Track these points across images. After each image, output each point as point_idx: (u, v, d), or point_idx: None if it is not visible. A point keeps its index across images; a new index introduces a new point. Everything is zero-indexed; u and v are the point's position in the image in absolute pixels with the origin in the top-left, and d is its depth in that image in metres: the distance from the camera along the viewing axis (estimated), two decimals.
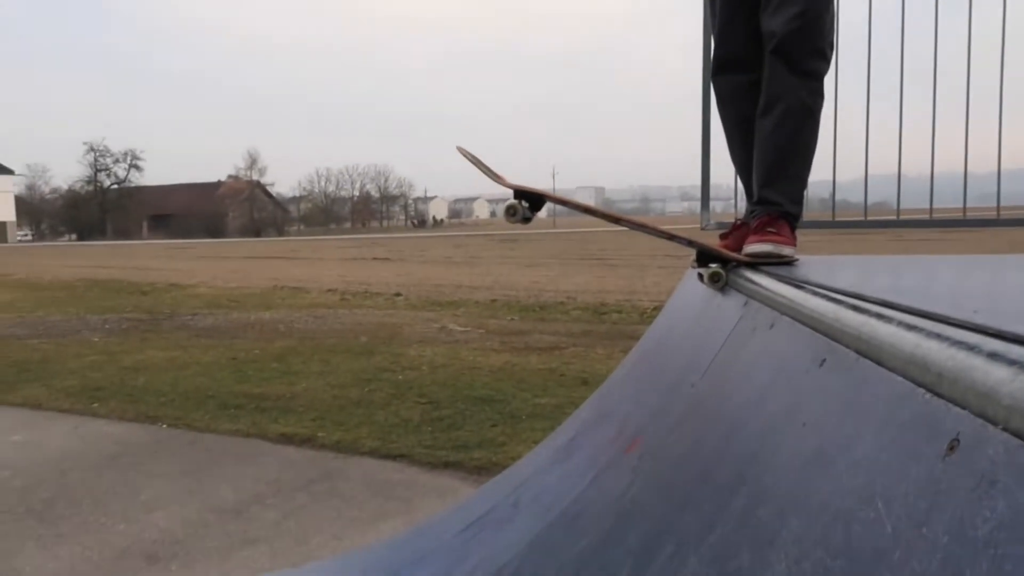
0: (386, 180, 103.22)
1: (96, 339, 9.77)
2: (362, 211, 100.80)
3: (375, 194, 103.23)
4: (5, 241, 65.79)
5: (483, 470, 4.12)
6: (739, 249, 2.16)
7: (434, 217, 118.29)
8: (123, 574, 3.06)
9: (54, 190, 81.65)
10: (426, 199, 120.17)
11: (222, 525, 3.53)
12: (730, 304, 1.94)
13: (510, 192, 1.97)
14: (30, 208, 76.10)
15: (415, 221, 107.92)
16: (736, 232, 2.32)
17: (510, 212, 1.91)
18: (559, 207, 2.33)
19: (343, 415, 5.40)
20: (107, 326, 11.06)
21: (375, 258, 29.59)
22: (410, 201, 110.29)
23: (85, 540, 3.38)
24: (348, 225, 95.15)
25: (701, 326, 2.24)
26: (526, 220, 1.95)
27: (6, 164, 71.66)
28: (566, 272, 19.84)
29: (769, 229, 2.14)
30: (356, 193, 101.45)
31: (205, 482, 4.13)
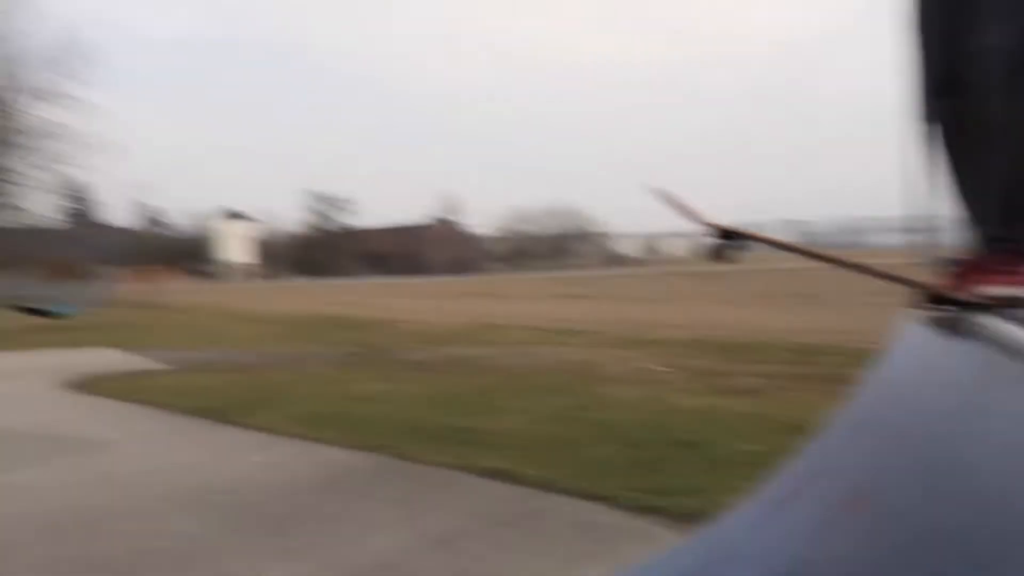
0: (580, 218, 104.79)
1: (320, 370, 10.66)
2: (558, 249, 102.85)
3: (570, 232, 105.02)
4: (246, 280, 74.17)
5: (688, 517, 3.98)
6: (967, 290, 1.94)
7: (630, 254, 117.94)
8: None
9: (285, 234, 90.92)
10: (621, 236, 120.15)
11: (433, 554, 3.68)
12: (968, 353, 1.74)
13: (708, 229, 1.91)
14: (266, 250, 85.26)
15: (610, 259, 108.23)
16: (965, 271, 2.08)
17: (712, 252, 1.86)
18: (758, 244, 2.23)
19: (545, 453, 5.46)
20: (330, 358, 12.04)
21: (572, 295, 29.97)
22: (605, 238, 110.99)
23: (311, 557, 3.66)
24: (544, 263, 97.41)
25: (932, 376, 2.03)
26: (729, 260, 1.88)
27: (249, 213, 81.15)
28: (769, 310, 18.94)
29: (1012, 269, 1.90)
30: (551, 232, 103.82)
31: (416, 510, 4.34)
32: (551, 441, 5.79)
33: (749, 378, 8.65)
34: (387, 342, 14.34)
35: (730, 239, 1.89)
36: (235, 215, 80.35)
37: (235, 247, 78.26)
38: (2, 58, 30.39)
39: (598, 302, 25.21)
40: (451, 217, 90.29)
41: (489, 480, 4.89)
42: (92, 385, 9.61)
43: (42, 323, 20.79)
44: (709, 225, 1.96)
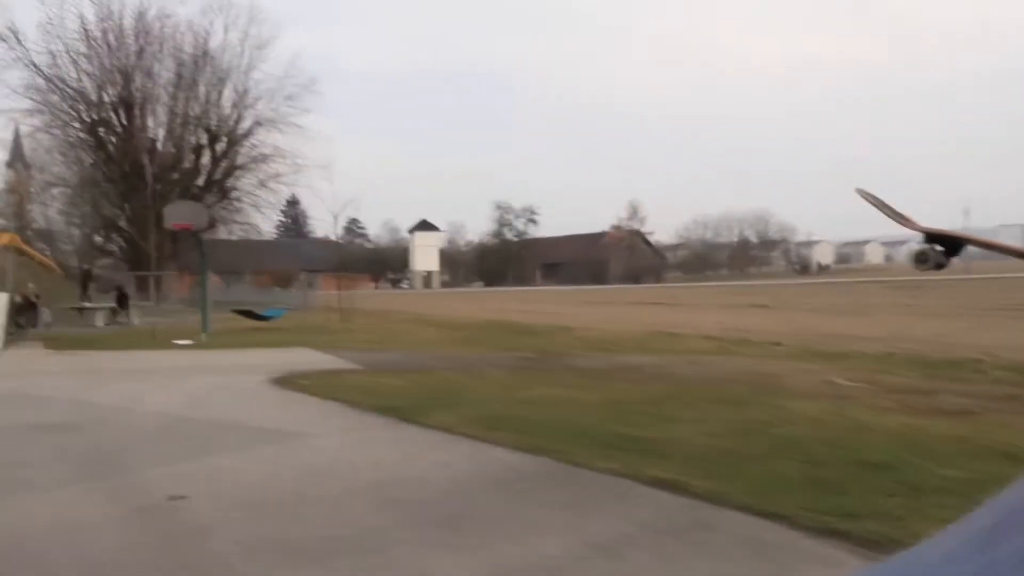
0: (766, 225, 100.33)
1: (495, 374, 10.94)
2: (740, 257, 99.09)
3: (754, 240, 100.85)
4: (430, 287, 77.82)
5: (876, 544, 3.68)
6: None
7: (819, 263, 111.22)
8: None
9: (468, 243, 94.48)
10: (810, 243, 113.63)
11: (597, 561, 3.66)
12: None
13: (912, 235, 1.74)
14: (449, 259, 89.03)
15: (797, 267, 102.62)
16: None
17: (920, 259, 1.71)
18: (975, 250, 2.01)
19: (716, 465, 5.27)
20: (505, 363, 12.33)
21: (754, 305, 28.76)
22: (792, 246, 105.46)
23: (481, 554, 3.76)
24: (725, 272, 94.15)
25: None
26: (939, 267, 1.72)
27: (434, 223, 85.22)
28: (982, 324, 17.16)
29: None
30: (734, 239, 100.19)
31: (582, 516, 4.34)
32: (723, 454, 5.58)
33: (952, 397, 7.88)
34: (561, 348, 14.47)
35: (943, 244, 1.71)
36: (424, 226, 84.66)
37: (423, 256, 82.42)
38: (240, 91, 34.14)
39: (782, 313, 24.00)
40: (631, 225, 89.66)
41: (656, 489, 4.79)
42: (292, 382, 10.48)
43: (254, 325, 22.98)
44: (920, 230, 1.80)
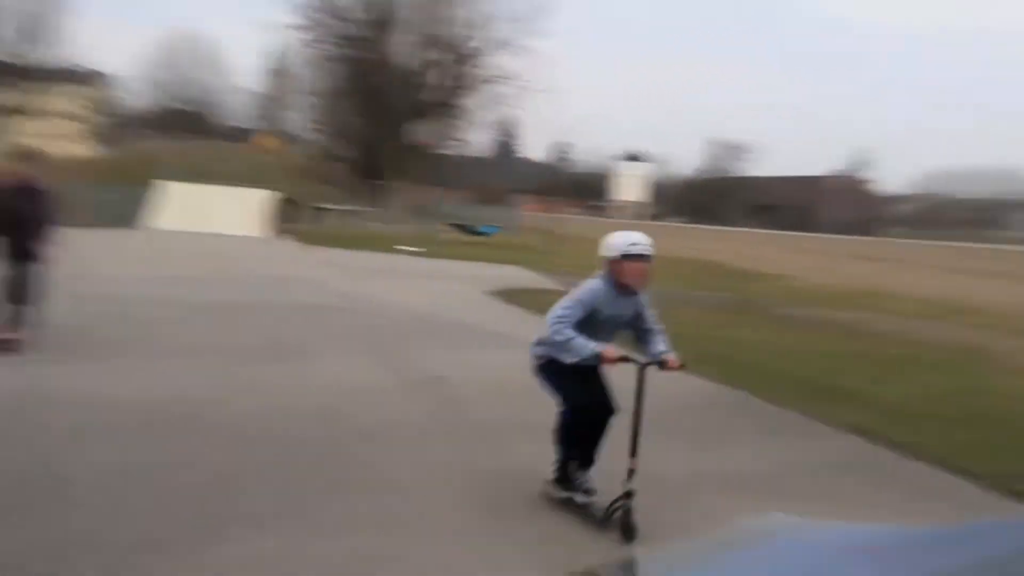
0: (1014, 183, 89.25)
1: (697, 312, 11.47)
2: (979, 218, 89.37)
3: (1006, 199, 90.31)
4: (634, 218, 77.87)
5: None
6: None
7: None
8: (711, 487, 4.09)
9: (676, 177, 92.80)
10: None
11: (788, 477, 4.32)
12: None
13: None
14: (656, 191, 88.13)
15: None
16: None
17: None
18: None
19: (911, 421, 5.62)
20: (709, 302, 12.79)
21: (985, 272, 26.52)
22: None
23: (685, 458, 4.54)
24: (960, 232, 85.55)
25: None
26: None
27: (647, 156, 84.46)
28: None
29: None
30: (975, 196, 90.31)
31: (774, 444, 4.98)
32: (920, 412, 5.89)
33: None
34: (767, 295, 14.61)
35: None
36: (633, 157, 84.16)
37: (629, 187, 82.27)
38: (478, 15, 35.75)
39: (1018, 282, 22.04)
40: (857, 172, 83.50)
41: (849, 433, 5.29)
42: (509, 296, 11.68)
43: (467, 239, 24.82)
44: None
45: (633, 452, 3.65)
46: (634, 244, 4.02)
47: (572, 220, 41.50)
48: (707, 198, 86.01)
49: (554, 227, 30.66)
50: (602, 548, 3.29)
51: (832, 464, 4.64)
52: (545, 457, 4.11)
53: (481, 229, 26.73)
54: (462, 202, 39.36)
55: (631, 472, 3.59)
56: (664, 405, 5.78)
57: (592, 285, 4.14)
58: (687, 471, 4.36)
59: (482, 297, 11.61)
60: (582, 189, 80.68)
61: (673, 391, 6.26)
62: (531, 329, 9.12)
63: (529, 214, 40.18)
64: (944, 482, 4.46)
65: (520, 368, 6.82)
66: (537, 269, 16.69)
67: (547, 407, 5.39)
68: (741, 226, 72.01)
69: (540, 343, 4.14)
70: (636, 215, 73.93)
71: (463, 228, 26.23)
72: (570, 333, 3.91)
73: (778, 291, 15.83)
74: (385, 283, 12.35)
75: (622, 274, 4.02)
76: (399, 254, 18.86)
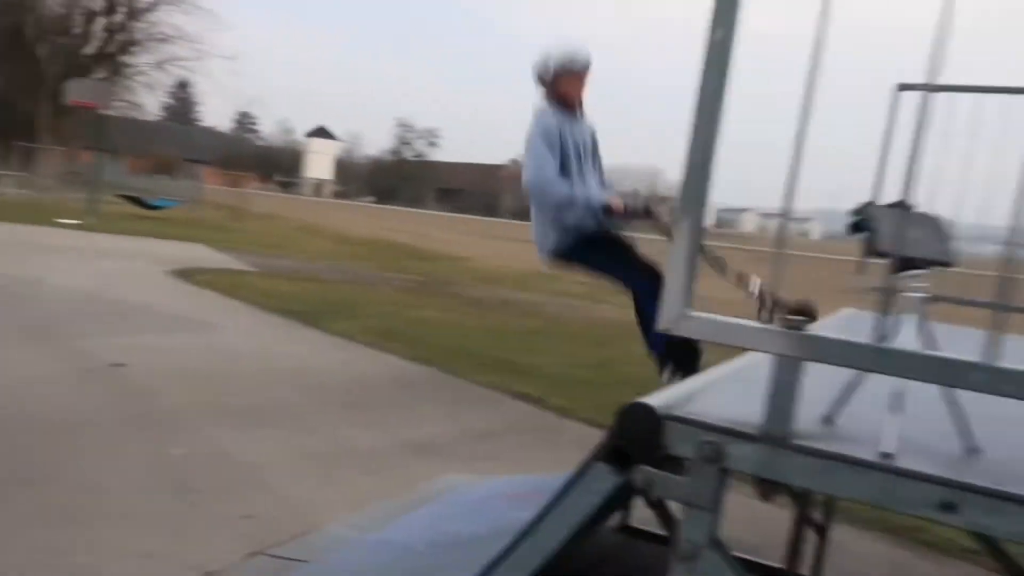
0: (656, 181, 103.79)
1: (388, 292, 11.92)
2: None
3: (643, 194, 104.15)
4: (320, 196, 76.56)
5: None
6: None
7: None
8: (403, 456, 4.46)
9: (365, 156, 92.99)
10: (738, 210, 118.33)
11: (471, 443, 4.84)
12: None
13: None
14: (344, 170, 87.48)
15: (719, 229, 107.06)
16: None
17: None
18: None
19: (570, 388, 6.55)
20: (396, 283, 13.30)
21: None
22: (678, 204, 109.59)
23: (383, 430, 4.86)
24: None
25: None
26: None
27: (332, 131, 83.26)
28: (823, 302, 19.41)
29: None
30: (625, 191, 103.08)
31: (461, 413, 5.51)
32: (577, 381, 6.87)
33: None
34: (452, 276, 15.54)
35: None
36: (321, 133, 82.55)
37: (317, 164, 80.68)
38: None
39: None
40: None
41: (521, 401, 6.03)
42: (192, 275, 11.06)
43: (141, 213, 22.69)
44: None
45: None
46: (574, 58, 3.54)
47: (259, 196, 39.79)
48: (395, 179, 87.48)
49: (239, 203, 29.18)
50: (297, 519, 3.45)
51: (505, 428, 5.28)
52: (237, 437, 4.15)
53: (157, 203, 24.56)
54: (135, 171, 35.75)
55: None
56: (358, 382, 6.07)
57: (541, 117, 3.57)
58: (384, 442, 4.68)
59: (161, 277, 10.85)
60: (269, 164, 77.30)
61: (365, 369, 6.57)
62: (217, 310, 8.88)
63: (211, 188, 37.75)
64: (593, 437, 5.30)
65: (211, 351, 6.64)
66: (221, 247, 15.91)
67: (237, 390, 5.38)
68: (428, 209, 74.56)
69: (542, 234, 3.64)
70: (323, 193, 72.93)
71: (137, 201, 23.86)
72: (564, 187, 3.42)
73: (461, 272, 16.91)
74: (49, 261, 10.96)
75: (567, 90, 3.53)
76: (61, 227, 16.70)
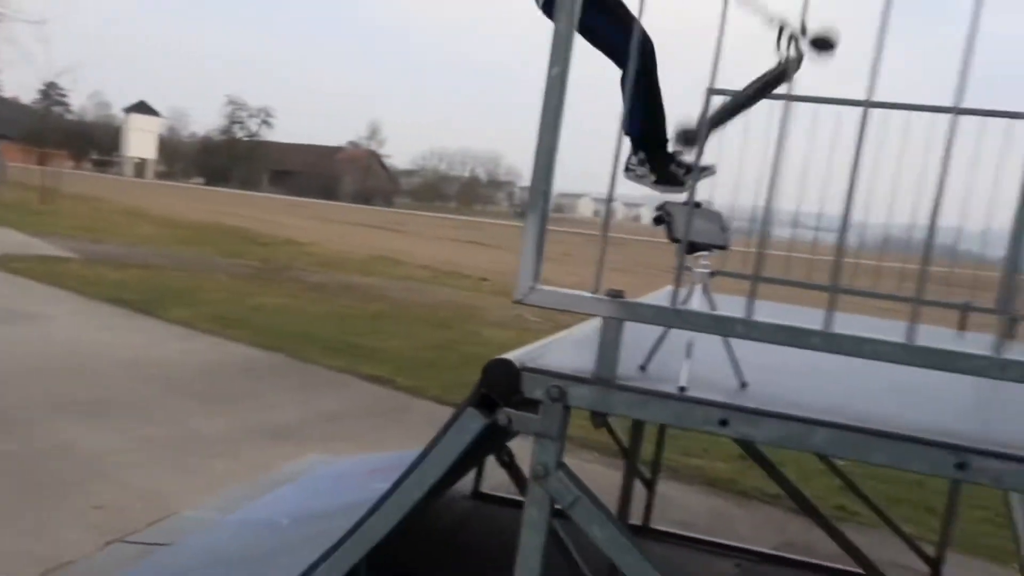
0: (496, 166, 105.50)
1: (224, 278, 11.55)
2: (469, 193, 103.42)
3: (484, 178, 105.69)
4: (144, 177, 71.42)
5: None
6: None
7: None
8: (256, 441, 4.50)
9: (191, 135, 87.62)
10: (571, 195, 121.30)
11: (323, 425, 4.95)
12: None
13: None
14: (168, 149, 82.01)
15: (519, 210, 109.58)
16: None
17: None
18: None
19: (417, 369, 6.77)
20: (233, 269, 12.89)
21: (472, 242, 31.19)
22: (517, 190, 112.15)
23: (232, 417, 4.87)
24: (453, 205, 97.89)
25: None
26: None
27: (154, 106, 77.66)
28: (651, 281, 20.76)
29: None
30: (466, 175, 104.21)
31: (312, 397, 5.58)
32: (424, 362, 7.11)
33: None
34: (288, 261, 15.23)
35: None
36: (141, 108, 76.70)
37: (138, 142, 74.95)
38: None
39: (495, 252, 26.56)
40: (368, 144, 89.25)
41: (371, 383, 6.18)
42: (4, 263, 10.21)
43: None
44: None
45: None
46: None
47: (72, 176, 36.63)
48: (226, 160, 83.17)
49: (49, 183, 26.79)
50: (151, 507, 3.46)
51: (356, 410, 5.43)
52: (79, 431, 4.05)
53: None
54: None
55: None
56: (202, 371, 5.97)
57: None
58: (235, 428, 4.69)
59: None
60: (83, 141, 70.96)
61: (209, 357, 6.46)
62: (40, 299, 8.29)
63: (15, 166, 34.31)
64: (441, 415, 5.56)
65: (44, 344, 6.26)
66: (33, 232, 14.68)
67: (74, 383, 5.16)
68: (261, 191, 71.61)
69: None
70: (146, 173, 68.22)
71: None
72: None
73: (302, 257, 16.59)
74: None
75: None
76: None
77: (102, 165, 69.61)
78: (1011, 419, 1.45)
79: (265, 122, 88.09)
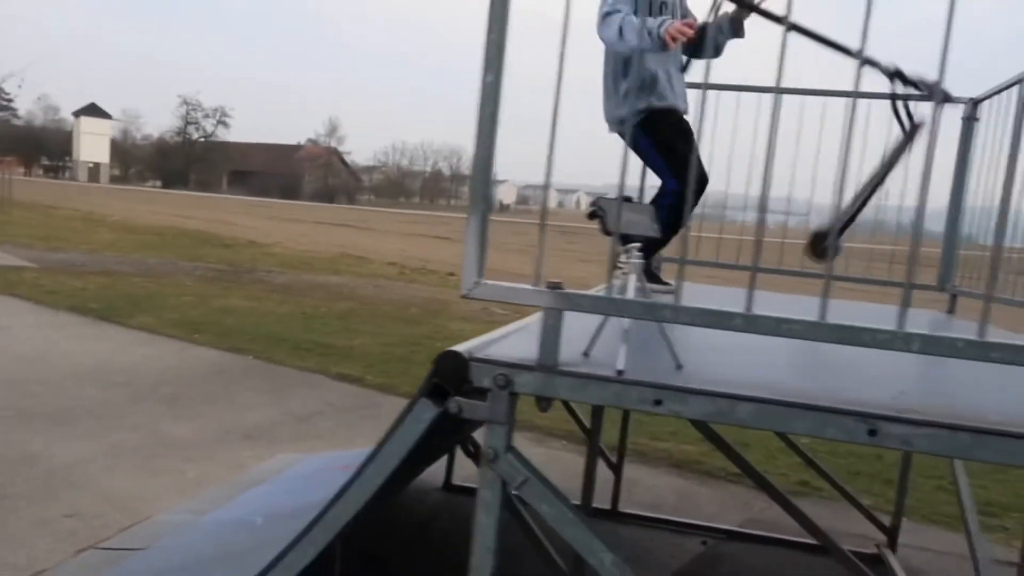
0: (459, 160, 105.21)
1: (188, 282, 11.46)
2: (432, 188, 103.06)
3: (447, 172, 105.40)
4: (98, 181, 69.98)
5: None
6: None
7: (501, 201, 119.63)
8: (227, 443, 4.54)
9: (146, 137, 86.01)
10: (496, 182, 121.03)
11: (295, 425, 4.99)
12: None
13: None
14: (122, 152, 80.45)
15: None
16: None
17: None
18: None
19: (388, 366, 6.83)
20: (196, 272, 12.78)
21: (438, 237, 31.17)
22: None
23: (202, 421, 4.88)
24: (417, 200, 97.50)
25: None
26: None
27: (105, 109, 76.07)
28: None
29: None
30: (428, 169, 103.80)
31: (282, 398, 5.61)
32: (394, 359, 7.16)
33: None
34: (252, 263, 15.12)
35: None
36: (92, 111, 75.03)
37: (90, 145, 73.34)
38: None
39: (461, 246, 26.56)
40: (327, 141, 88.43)
41: (341, 382, 6.22)
42: None
43: None
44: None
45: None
46: None
47: (23, 183, 35.79)
48: (182, 162, 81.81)
49: (2, 190, 26.16)
50: (124, 513, 3.49)
51: (328, 408, 5.47)
52: (46, 441, 4.04)
53: None
54: None
55: None
56: (169, 376, 5.96)
57: None
58: (205, 431, 4.71)
59: None
60: (33, 147, 69.28)
61: (175, 363, 6.45)
62: None
63: None
64: None
65: (2, 355, 6.18)
66: None
67: (37, 393, 5.13)
68: (220, 192, 70.64)
69: (619, 106, 3.18)
70: (101, 177, 66.86)
71: None
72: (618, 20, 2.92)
73: (266, 258, 16.47)
74: None
75: None
76: None
77: (54, 171, 68.04)
78: (922, 388, 1.57)
79: (221, 122, 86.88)
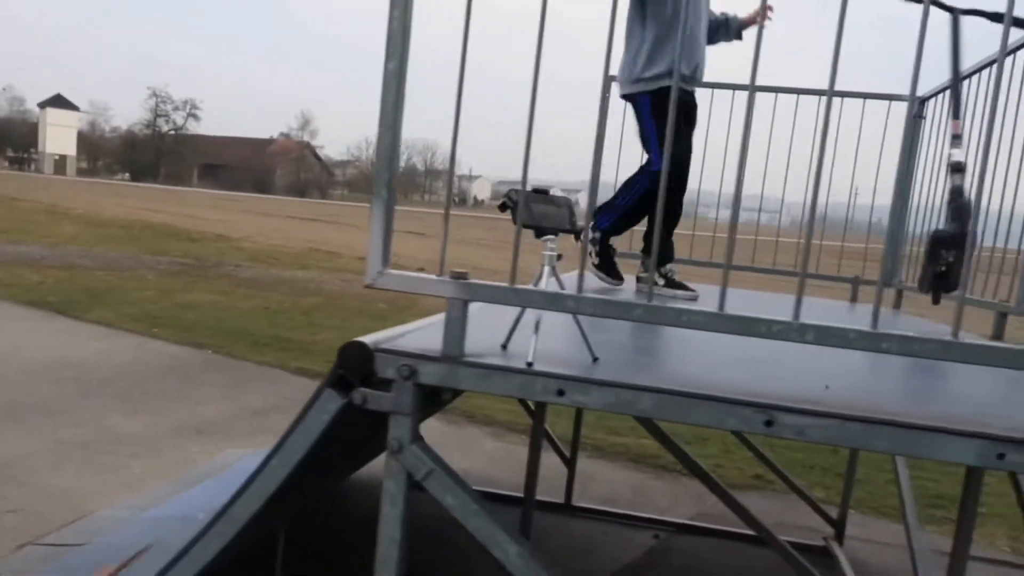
0: (433, 155, 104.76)
1: (151, 277, 11.31)
2: (406, 183, 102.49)
3: (420, 167, 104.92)
4: (64, 174, 68.76)
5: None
6: None
7: (475, 197, 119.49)
8: (178, 439, 4.49)
9: (114, 129, 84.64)
10: (471, 178, 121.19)
11: (250, 420, 4.95)
12: None
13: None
14: (90, 144, 79.10)
15: (457, 199, 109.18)
16: None
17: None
18: None
19: None
20: (160, 266, 12.61)
21: (409, 231, 31.04)
22: (456, 179, 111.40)
23: (154, 416, 4.82)
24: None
25: None
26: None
27: (72, 100, 74.72)
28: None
29: None
30: (402, 164, 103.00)
31: (240, 392, 5.56)
32: None
33: None
34: (219, 257, 14.96)
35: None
36: (59, 102, 73.65)
37: (56, 137, 72.01)
38: None
39: (432, 241, 26.49)
40: (300, 135, 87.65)
41: (300, 376, 6.18)
42: None
43: None
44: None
45: None
46: None
47: None
48: (151, 155, 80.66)
49: None
50: (67, 509, 3.44)
51: (284, 403, 5.43)
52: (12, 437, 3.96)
53: None
54: None
55: None
56: (123, 371, 5.88)
57: None
58: (157, 427, 4.65)
59: None
60: None
61: (131, 357, 6.36)
62: None
63: None
64: None
65: None
66: None
67: (1, 392, 5.04)
68: (190, 186, 69.79)
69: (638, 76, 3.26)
70: (67, 170, 65.68)
71: None
72: None
73: (233, 253, 16.30)
74: None
75: None
76: None
77: (19, 163, 66.78)
78: (819, 379, 1.60)
79: (192, 115, 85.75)
